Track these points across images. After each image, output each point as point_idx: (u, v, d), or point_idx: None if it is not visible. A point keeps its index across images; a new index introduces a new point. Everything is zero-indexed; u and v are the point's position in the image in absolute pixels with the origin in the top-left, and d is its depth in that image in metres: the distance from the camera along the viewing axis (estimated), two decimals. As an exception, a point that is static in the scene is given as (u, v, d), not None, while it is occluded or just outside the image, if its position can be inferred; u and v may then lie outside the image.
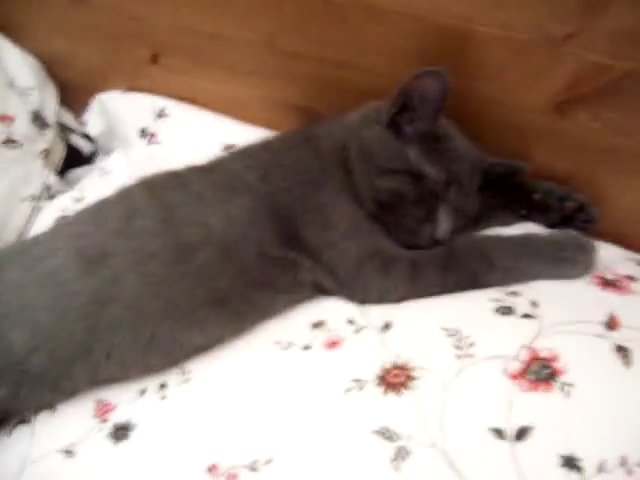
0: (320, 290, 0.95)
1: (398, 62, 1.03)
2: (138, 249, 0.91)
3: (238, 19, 1.16)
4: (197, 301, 0.90)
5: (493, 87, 1.01)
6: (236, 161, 1.02)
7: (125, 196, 1.01)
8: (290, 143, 1.03)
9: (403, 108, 0.94)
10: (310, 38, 1.11)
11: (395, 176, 0.94)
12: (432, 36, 0.99)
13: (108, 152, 1.42)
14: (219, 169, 1.02)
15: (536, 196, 1.00)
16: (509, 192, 1.02)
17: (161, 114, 1.34)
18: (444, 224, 0.94)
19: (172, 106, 1.34)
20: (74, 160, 1.46)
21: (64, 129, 1.45)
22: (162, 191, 0.99)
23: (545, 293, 0.84)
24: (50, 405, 0.93)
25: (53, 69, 1.45)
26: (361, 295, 0.91)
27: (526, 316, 0.80)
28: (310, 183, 0.96)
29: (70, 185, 1.39)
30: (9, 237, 1.25)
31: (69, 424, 0.90)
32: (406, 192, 0.93)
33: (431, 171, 0.93)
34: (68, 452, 0.85)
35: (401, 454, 0.69)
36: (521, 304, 0.83)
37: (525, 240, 0.92)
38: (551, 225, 0.98)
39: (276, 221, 0.94)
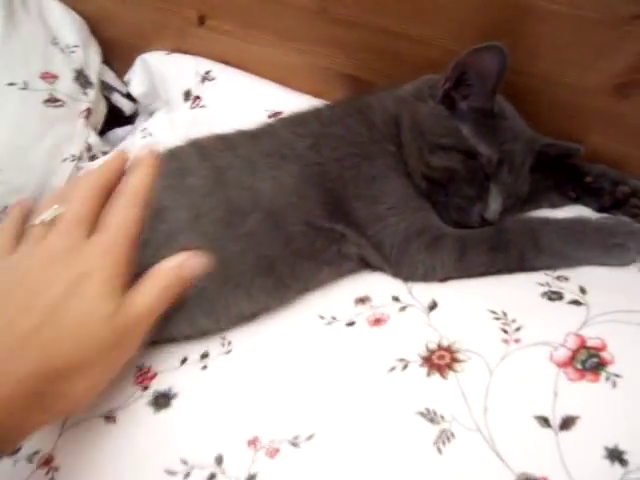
0: (365, 264, 0.94)
1: (455, 34, 1.01)
2: (192, 206, 0.91)
3: (290, -18, 1.14)
4: (245, 266, 0.90)
5: (551, 65, 0.98)
6: (286, 128, 1.01)
7: (176, 154, 1.01)
8: (342, 113, 1.02)
9: (458, 83, 0.92)
10: (364, 6, 1.08)
11: (447, 153, 0.92)
12: (492, 9, 0.96)
13: (150, 113, 1.41)
14: (268, 135, 1.01)
15: (588, 179, 0.98)
16: (561, 174, 1.01)
17: (206, 77, 1.32)
18: (494, 204, 0.92)
19: (218, 69, 1.32)
20: (115, 119, 1.46)
21: (106, 87, 1.44)
22: (212, 152, 0.98)
23: (594, 279, 0.82)
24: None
25: (97, 27, 1.44)
26: (406, 271, 0.90)
27: (574, 302, 0.79)
28: (360, 155, 0.94)
29: (111, 145, 1.38)
30: (50, 197, 1.25)
31: (109, 390, 0.89)
32: (457, 170, 0.92)
33: (484, 149, 0.91)
34: (108, 417, 0.86)
35: (444, 437, 0.68)
36: (569, 289, 0.81)
37: (575, 224, 0.89)
38: (602, 209, 0.97)
39: (324, 191, 0.93)
